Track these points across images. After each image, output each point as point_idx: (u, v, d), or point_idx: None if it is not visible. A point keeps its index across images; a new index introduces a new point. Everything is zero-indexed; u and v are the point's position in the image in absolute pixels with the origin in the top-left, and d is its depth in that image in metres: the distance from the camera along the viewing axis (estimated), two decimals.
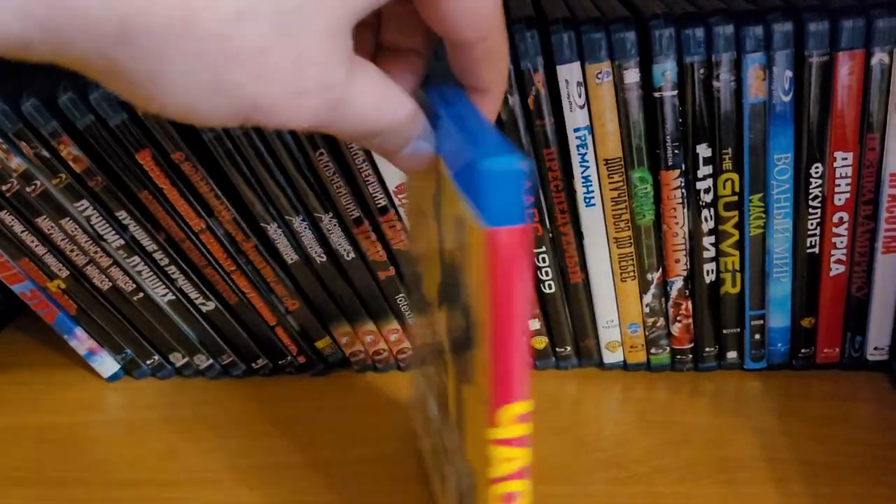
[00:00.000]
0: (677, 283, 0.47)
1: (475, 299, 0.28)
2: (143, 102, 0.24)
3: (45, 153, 0.45)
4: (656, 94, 0.43)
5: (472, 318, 0.28)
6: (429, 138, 0.30)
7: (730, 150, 0.44)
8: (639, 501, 0.41)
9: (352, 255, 0.48)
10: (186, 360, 0.53)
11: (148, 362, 0.53)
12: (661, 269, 0.47)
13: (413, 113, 0.29)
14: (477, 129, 0.28)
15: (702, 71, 0.42)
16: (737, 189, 0.45)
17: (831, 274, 0.46)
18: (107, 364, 0.53)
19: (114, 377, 0.54)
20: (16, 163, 0.46)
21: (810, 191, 0.45)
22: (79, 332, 0.52)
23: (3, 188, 0.46)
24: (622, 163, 0.44)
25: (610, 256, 0.47)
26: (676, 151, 0.44)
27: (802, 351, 0.49)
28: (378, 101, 0.27)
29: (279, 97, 0.25)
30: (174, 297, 0.50)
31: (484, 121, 0.30)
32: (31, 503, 0.43)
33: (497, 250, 0.26)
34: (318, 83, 0.25)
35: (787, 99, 0.43)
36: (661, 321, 0.48)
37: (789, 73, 0.42)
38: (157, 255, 0.49)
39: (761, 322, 0.48)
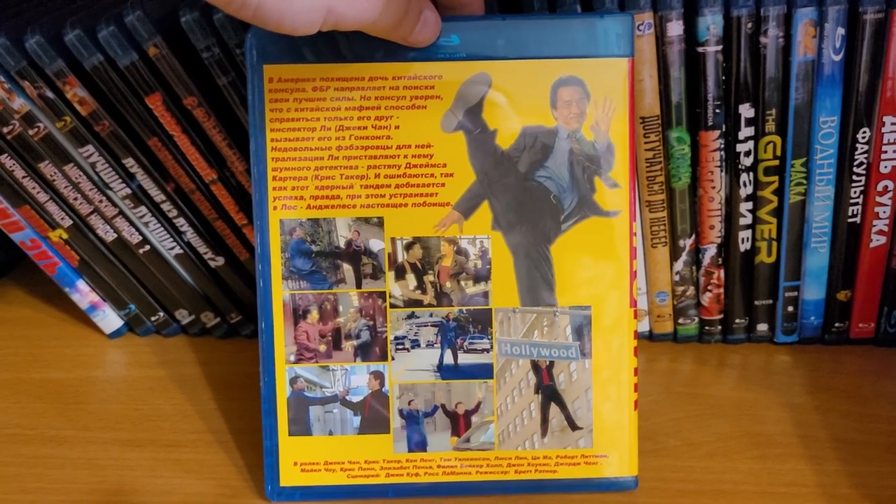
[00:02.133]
0: (710, 251, 0.45)
1: (613, 131, 0.36)
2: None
3: (50, 94, 0.43)
4: (700, 49, 0.40)
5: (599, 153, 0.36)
6: (430, 5, 0.34)
7: (773, 112, 0.42)
8: (669, 475, 0.39)
9: None
10: (193, 317, 0.51)
11: (153, 319, 0.51)
12: (694, 236, 0.45)
13: None
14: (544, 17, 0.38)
15: (749, 25, 0.40)
16: (778, 153, 0.43)
17: (871, 245, 0.44)
18: (109, 319, 0.51)
19: (116, 333, 0.52)
20: (18, 103, 0.43)
21: (855, 157, 0.42)
22: (81, 284, 0.50)
23: (4, 130, 0.44)
24: (659, 121, 0.42)
25: (641, 220, 0.45)
26: (718, 111, 0.42)
27: (836, 325, 0.47)
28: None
29: None
30: (182, 251, 0.48)
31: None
32: (30, 461, 0.41)
33: (632, 76, 0.36)
34: None
35: (837, 58, 0.40)
36: (691, 290, 0.46)
37: (841, 31, 0.40)
38: (165, 206, 0.47)
39: (795, 294, 0.46)
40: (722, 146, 0.43)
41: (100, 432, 0.43)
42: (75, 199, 0.46)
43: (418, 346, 0.38)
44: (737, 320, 0.47)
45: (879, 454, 0.40)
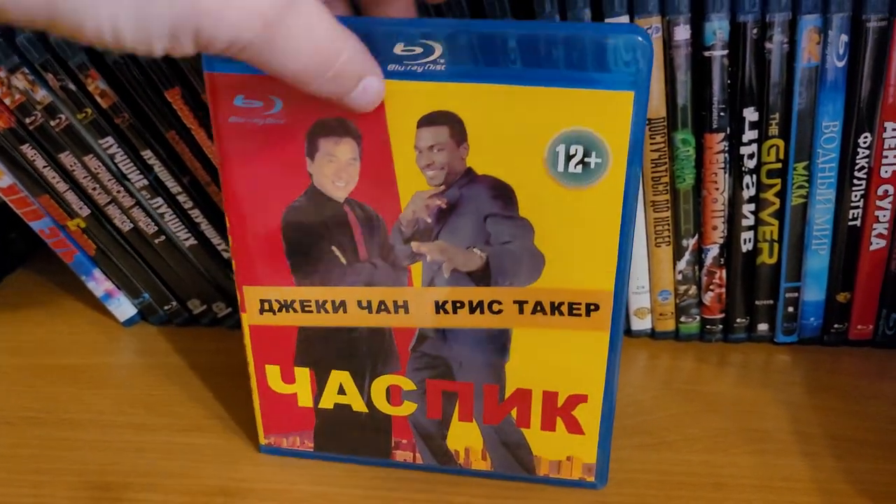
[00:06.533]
0: (713, 251, 0.46)
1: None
2: (75, 33, 0.24)
3: (72, 86, 0.44)
4: (706, 53, 0.41)
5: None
6: (377, 72, 0.30)
7: (777, 116, 0.43)
8: (668, 468, 0.40)
9: None
10: (205, 307, 0.52)
11: (166, 308, 0.52)
12: (697, 236, 0.46)
13: (361, 50, 0.29)
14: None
15: (755, 31, 0.41)
16: (781, 156, 0.44)
17: (871, 248, 0.45)
18: (124, 307, 0.52)
19: (130, 321, 0.53)
20: (41, 95, 0.44)
21: (857, 161, 0.43)
22: (97, 273, 0.51)
23: (27, 121, 0.45)
24: (665, 123, 0.43)
25: (646, 220, 0.46)
26: (722, 114, 0.43)
27: (835, 326, 0.48)
28: (326, 36, 0.27)
29: None
30: (196, 242, 0.49)
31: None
32: (46, 443, 0.42)
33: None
34: None
35: (840, 64, 0.41)
36: (694, 289, 0.47)
37: (845, 38, 0.41)
38: (181, 198, 0.48)
39: (796, 295, 0.47)
40: (726, 148, 0.44)
41: (114, 416, 0.44)
42: (94, 189, 0.47)
43: None
44: (738, 320, 0.48)
45: (874, 451, 0.41)
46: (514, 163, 0.32)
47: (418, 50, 0.30)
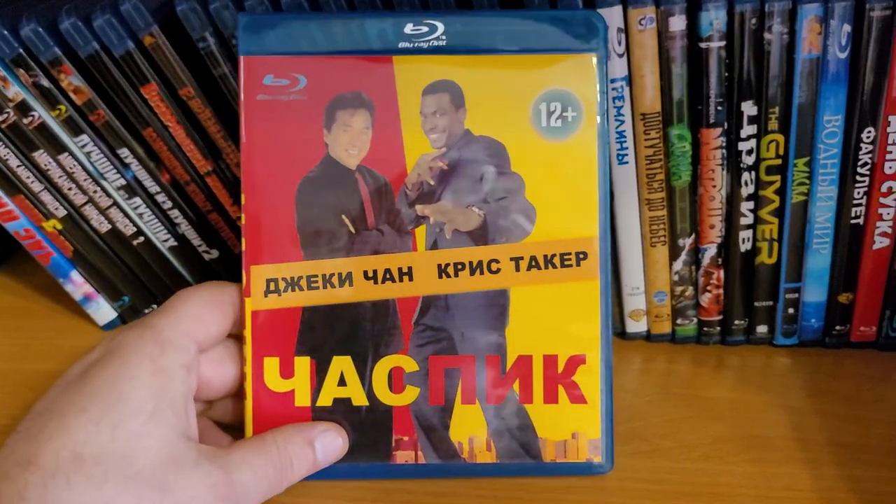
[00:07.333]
0: (710, 251, 0.45)
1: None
2: None
3: (45, 83, 0.42)
4: (702, 45, 0.40)
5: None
6: (328, 428, 0.37)
7: (777, 110, 0.41)
8: (664, 477, 0.38)
9: None
10: None
11: (146, 311, 0.51)
12: (693, 235, 0.44)
13: (300, 451, 0.36)
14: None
15: (753, 21, 0.39)
16: (781, 152, 0.42)
17: (874, 247, 0.44)
18: (103, 311, 0.51)
19: (110, 325, 0.51)
20: (13, 92, 0.43)
21: (860, 157, 0.42)
22: (75, 275, 0.50)
23: None
24: (660, 118, 0.42)
25: (640, 219, 0.44)
26: (720, 108, 0.41)
27: (837, 328, 0.46)
28: (265, 471, 0.34)
29: None
30: (176, 244, 0.48)
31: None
32: None
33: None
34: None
35: (842, 56, 0.40)
36: (690, 290, 0.46)
37: (847, 28, 0.39)
38: (160, 198, 0.46)
39: (796, 296, 0.45)
40: (723, 144, 0.42)
41: None
42: (70, 189, 0.46)
43: None
44: (736, 322, 0.47)
45: (878, 458, 0.39)
46: (504, 122, 0.37)
47: (424, 29, 0.37)
